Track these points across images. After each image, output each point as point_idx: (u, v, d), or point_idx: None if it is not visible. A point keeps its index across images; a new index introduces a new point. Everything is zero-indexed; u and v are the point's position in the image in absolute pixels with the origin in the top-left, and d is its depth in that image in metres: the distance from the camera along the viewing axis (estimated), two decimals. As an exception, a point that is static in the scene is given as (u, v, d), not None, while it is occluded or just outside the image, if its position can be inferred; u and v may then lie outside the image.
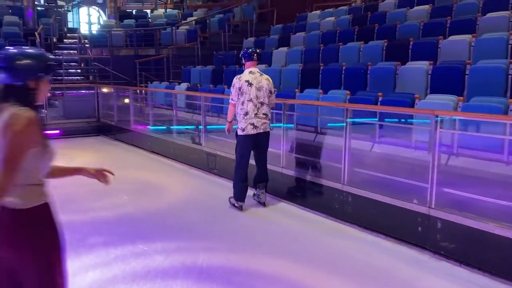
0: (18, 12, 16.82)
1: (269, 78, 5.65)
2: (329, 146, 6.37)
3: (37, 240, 2.13)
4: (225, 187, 6.75)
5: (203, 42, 14.22)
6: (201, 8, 18.24)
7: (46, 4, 20.96)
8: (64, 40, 17.24)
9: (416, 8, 9.46)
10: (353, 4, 12.87)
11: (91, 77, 14.84)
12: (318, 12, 12.92)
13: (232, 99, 5.59)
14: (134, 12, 21.24)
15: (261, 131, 5.47)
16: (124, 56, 15.38)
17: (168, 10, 20.32)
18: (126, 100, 11.39)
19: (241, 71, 5.78)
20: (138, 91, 11.90)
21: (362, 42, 8.61)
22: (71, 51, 16.36)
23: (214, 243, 4.33)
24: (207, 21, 14.99)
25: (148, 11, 21.45)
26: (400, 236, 4.54)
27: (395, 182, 4.79)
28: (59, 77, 14.18)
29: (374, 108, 6.08)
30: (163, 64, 13.65)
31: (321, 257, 4.31)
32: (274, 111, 6.06)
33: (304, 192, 5.71)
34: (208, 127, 8.03)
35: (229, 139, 7.30)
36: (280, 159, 6.01)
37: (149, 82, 13.09)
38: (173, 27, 14.86)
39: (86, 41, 16.50)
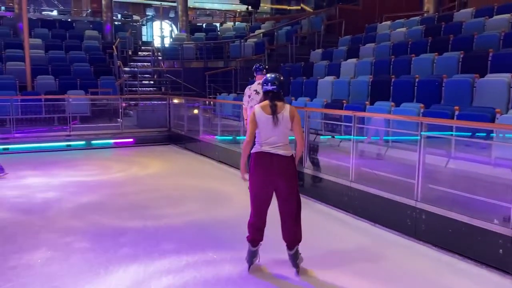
0: (97, 26, 17.96)
1: None
2: (401, 160, 6.17)
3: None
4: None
5: (270, 54, 14.38)
6: (269, 20, 18.48)
7: (122, 18, 22.20)
8: (139, 52, 18.15)
9: (496, 17, 8.99)
10: (425, 14, 12.47)
11: (163, 89, 15.48)
12: (388, 22, 12.65)
13: (244, 104, 6.93)
14: (204, 25, 21.95)
15: None
16: (195, 68, 15.92)
17: (236, 23, 20.80)
18: (195, 111, 11.76)
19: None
20: (207, 102, 12.23)
21: (436, 53, 8.30)
22: (145, 64, 17.17)
23: (284, 255, 4.31)
24: (275, 34, 15.16)
25: (218, 24, 22.10)
26: (478, 258, 4.29)
27: (473, 200, 4.55)
28: (134, 88, 14.95)
29: (452, 122, 5.81)
30: (231, 76, 13.95)
31: (397, 277, 4.15)
32: (344, 123, 6.00)
33: (375, 208, 5.57)
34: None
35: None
36: (350, 172, 5.92)
37: (217, 94, 13.42)
38: (241, 40, 15.16)
39: (159, 53, 17.26)
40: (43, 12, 22.55)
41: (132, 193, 7.05)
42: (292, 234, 4.15)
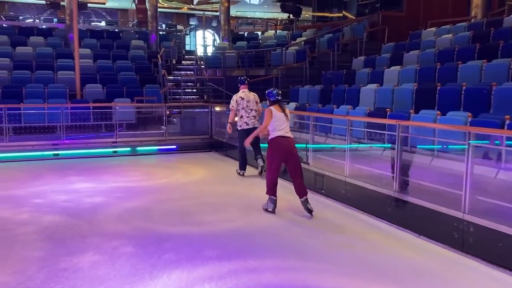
0: (143, 36, 18.50)
1: (255, 94, 8.96)
2: (448, 170, 5.99)
3: None
4: (333, 208, 6.70)
5: (311, 62, 14.34)
6: (310, 28, 18.44)
7: (167, 28, 22.80)
8: (182, 61, 18.54)
9: (550, 22, 8.61)
10: (472, 20, 12.09)
11: (205, 96, 15.73)
12: (433, 29, 12.34)
13: (232, 106, 8.81)
14: (246, 34, 22.18)
15: (251, 126, 8.57)
16: (236, 77, 16.06)
17: (278, 31, 20.88)
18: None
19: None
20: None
21: (485, 60, 8.03)
22: (188, 72, 17.52)
23: (325, 265, 4.28)
24: (316, 41, 15.11)
25: (259, 33, 22.28)
26: (531, 275, 4.10)
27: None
28: (177, 96, 15.24)
29: (502, 132, 5.57)
30: (272, 84, 13.99)
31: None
32: (388, 132, 5.91)
33: (419, 219, 5.42)
34: (315, 146, 8.04)
35: (337, 159, 7.25)
36: (393, 182, 5.80)
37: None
38: (283, 48, 15.21)
39: (202, 62, 17.57)
40: (92, 23, 23.50)
41: (175, 199, 7.19)
42: (302, 186, 6.28)
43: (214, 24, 25.93)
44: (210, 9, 24.77)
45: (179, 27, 23.51)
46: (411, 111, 7.71)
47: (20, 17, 22.62)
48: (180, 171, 9.57)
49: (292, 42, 16.64)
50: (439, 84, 8.06)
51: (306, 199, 6.24)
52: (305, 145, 8.35)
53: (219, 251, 4.87)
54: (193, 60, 18.08)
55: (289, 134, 6.31)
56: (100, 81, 14.06)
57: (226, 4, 19.34)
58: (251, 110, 8.72)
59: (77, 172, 9.28)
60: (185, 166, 10.12)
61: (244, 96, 8.78)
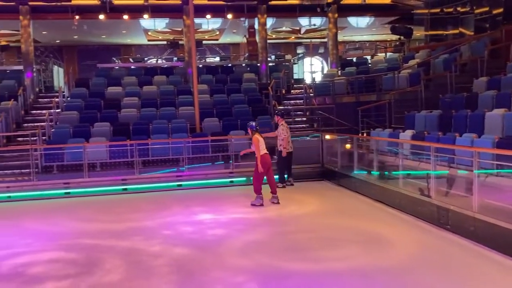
0: (254, 69, 19.31)
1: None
2: None
3: None
4: (461, 246, 6.24)
5: (427, 85, 13.71)
6: (423, 49, 17.70)
7: (276, 59, 23.51)
8: (291, 90, 18.94)
9: None
10: None
11: (315, 125, 15.81)
12: None
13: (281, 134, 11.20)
14: (354, 59, 22.00)
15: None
16: (346, 103, 15.98)
17: (388, 54, 20.41)
18: (348, 146, 11.75)
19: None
20: (360, 138, 12.13)
21: None
22: (297, 101, 17.82)
23: None
24: (431, 62, 14.44)
25: (368, 57, 21.94)
26: None
27: None
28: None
29: None
30: (384, 110, 13.64)
31: None
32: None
33: None
34: (437, 172, 7.62)
35: (461, 192, 6.78)
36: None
37: (371, 129, 13.21)
38: (395, 72, 14.79)
39: (311, 90, 17.76)
40: (207, 60, 25.13)
41: (291, 233, 7.28)
42: (275, 185, 9.61)
43: (321, 50, 26.16)
44: (317, 36, 25.05)
45: (287, 56, 24.09)
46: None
47: (145, 58, 25.03)
48: (293, 202, 9.68)
49: (405, 65, 16.12)
50: None
51: (276, 196, 9.49)
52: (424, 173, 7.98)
53: (341, 292, 4.81)
54: (302, 89, 18.37)
55: (266, 151, 9.43)
56: (216, 114, 14.90)
57: (334, 30, 19.48)
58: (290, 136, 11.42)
59: (199, 202, 9.87)
60: (297, 197, 10.21)
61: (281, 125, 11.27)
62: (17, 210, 9.97)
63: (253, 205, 9.28)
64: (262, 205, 9.22)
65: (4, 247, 6.99)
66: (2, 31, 21.65)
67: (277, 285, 5.08)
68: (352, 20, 22.01)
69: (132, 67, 21.26)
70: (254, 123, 9.62)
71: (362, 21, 22.38)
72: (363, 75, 16.57)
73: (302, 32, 24.82)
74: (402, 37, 20.80)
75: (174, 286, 5.21)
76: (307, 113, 16.93)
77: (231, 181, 12.06)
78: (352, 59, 22.13)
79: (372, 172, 9.99)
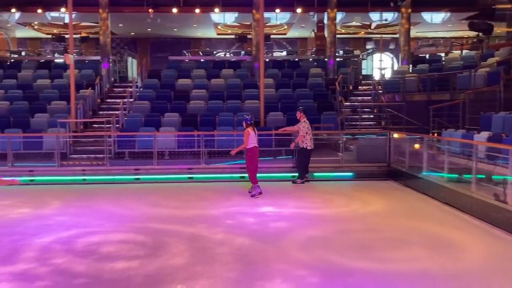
0: (321, 64, 19.11)
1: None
2: None
3: None
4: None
5: (506, 84, 12.86)
6: (504, 46, 16.63)
7: (344, 54, 23.10)
8: (359, 87, 18.53)
9: None
10: None
11: (383, 123, 15.39)
12: None
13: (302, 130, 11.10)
14: (427, 56, 21.12)
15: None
16: (417, 102, 15.39)
17: (464, 51, 19.39)
18: (417, 146, 11.32)
19: None
20: (430, 138, 11.64)
21: None
22: (365, 98, 17.42)
23: None
24: (512, 61, 13.54)
25: (442, 54, 20.98)
26: None
27: None
28: (353, 123, 15.28)
29: None
30: (458, 110, 12.99)
31: None
32: None
33: None
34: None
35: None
36: None
37: (442, 129, 12.64)
38: (471, 70, 14.02)
39: (380, 87, 17.29)
40: (274, 54, 25.20)
41: (355, 231, 7.16)
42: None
43: (392, 46, 25.34)
44: (388, 31, 24.30)
45: (356, 52, 23.60)
46: None
47: (214, 52, 25.55)
48: (357, 201, 9.50)
49: (482, 63, 15.23)
50: None
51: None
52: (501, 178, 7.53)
53: (407, 294, 4.67)
54: (370, 85, 17.93)
55: (256, 145, 9.87)
56: (281, 109, 14.93)
57: (406, 26, 18.81)
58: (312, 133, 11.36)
59: (261, 195, 9.94)
60: (362, 195, 10.00)
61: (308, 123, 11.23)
62: (91, 192, 10.58)
63: (252, 195, 9.62)
64: (260, 193, 9.66)
65: (79, 226, 7.46)
66: (83, 23, 22.97)
67: (340, 281, 5.02)
68: (426, 15, 21.11)
69: (201, 60, 21.78)
70: (249, 117, 10.01)
71: (437, 17, 21.41)
72: (436, 73, 15.89)
73: (372, 27, 24.20)
74: (480, 34, 19.66)
75: (236, 274, 5.30)
76: (375, 111, 16.52)
77: (294, 176, 12.03)
78: (424, 56, 21.25)
79: (442, 174, 9.56)
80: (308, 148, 11.16)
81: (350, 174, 12.09)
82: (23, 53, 24.21)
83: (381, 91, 17.13)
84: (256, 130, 10.02)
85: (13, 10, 18.65)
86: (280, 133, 12.84)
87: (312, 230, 7.18)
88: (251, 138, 9.71)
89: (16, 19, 21.24)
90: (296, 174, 11.53)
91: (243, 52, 23.64)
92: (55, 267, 5.55)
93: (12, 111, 14.93)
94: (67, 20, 18.17)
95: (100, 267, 5.53)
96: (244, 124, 9.95)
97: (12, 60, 21.27)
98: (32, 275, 5.29)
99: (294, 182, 11.35)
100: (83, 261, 5.76)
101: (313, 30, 21.95)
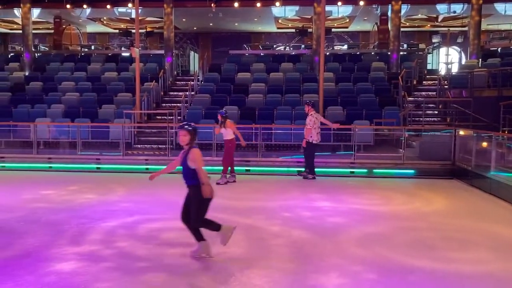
0: (383, 58, 18.56)
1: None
2: None
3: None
4: None
5: None
6: None
7: (408, 48, 22.30)
8: (423, 82, 17.83)
9: None
10: None
11: (448, 119, 14.74)
12: None
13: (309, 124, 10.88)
14: (499, 50, 19.91)
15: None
16: (485, 98, 14.59)
17: (541, 44, 18.09)
18: (484, 144, 10.74)
19: None
20: (500, 136, 11.00)
21: None
22: (430, 93, 16.74)
23: None
24: None
25: (516, 47, 19.70)
26: None
27: None
28: (417, 118, 14.75)
29: None
30: (532, 106, 12.17)
31: None
32: None
33: None
34: None
35: None
36: None
37: (514, 126, 11.91)
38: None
39: (446, 82, 16.55)
40: (335, 48, 24.81)
41: (415, 229, 6.92)
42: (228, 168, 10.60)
43: (460, 40, 24.13)
44: (456, 24, 23.16)
45: (421, 45, 22.70)
46: None
47: (274, 46, 25.56)
48: (419, 198, 9.17)
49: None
50: None
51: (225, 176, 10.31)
52: None
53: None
54: (436, 80, 17.20)
55: (233, 136, 10.38)
56: (341, 103, 14.69)
57: (476, 18, 17.81)
58: (319, 127, 11.07)
59: (318, 189, 9.86)
60: (424, 193, 9.65)
61: (317, 116, 11.04)
62: (154, 181, 10.88)
63: (218, 183, 9.99)
64: (230, 181, 10.35)
65: (142, 213, 7.76)
66: (148, 18, 23.78)
67: (399, 279, 4.87)
68: (500, 6, 19.88)
69: (261, 54, 21.87)
70: (224, 110, 10.61)
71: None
72: (509, 67, 14.93)
73: (439, 20, 23.17)
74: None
75: (292, 266, 5.29)
76: (440, 106, 15.84)
77: (352, 172, 11.83)
78: (496, 50, 20.04)
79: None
80: (314, 142, 10.93)
81: (412, 171, 11.70)
82: (92, 47, 25.48)
83: (447, 86, 16.38)
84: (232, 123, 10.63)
85: (84, 6, 19.62)
86: (339, 128, 12.65)
87: (370, 226, 7.02)
88: (230, 131, 10.30)
89: (87, 15, 22.35)
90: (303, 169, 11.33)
91: (303, 46, 23.48)
92: (118, 250, 5.81)
93: (81, 102, 15.78)
94: (133, 15, 18.91)
95: (160, 252, 5.73)
96: (219, 117, 10.40)
97: (82, 54, 22.46)
98: (97, 256, 5.57)
99: (304, 177, 11.09)
100: (145, 245, 5.99)
101: (376, 23, 21.38)
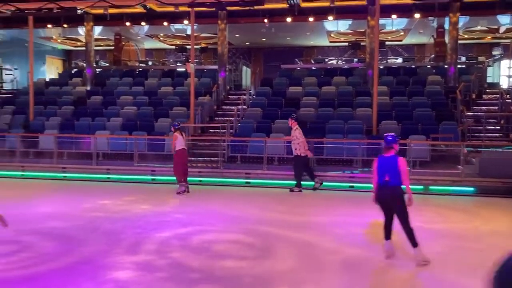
0: (440, 71, 17.98)
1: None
2: None
3: None
4: None
5: None
6: None
7: (467, 61, 21.50)
8: (483, 96, 17.10)
9: None
10: None
11: (511, 135, 14.01)
12: None
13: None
14: None
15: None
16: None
17: None
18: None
19: None
20: None
21: None
22: (491, 107, 16.01)
23: None
24: None
25: None
26: None
27: None
28: (476, 134, 14.13)
29: None
30: None
31: None
32: None
33: None
34: None
35: None
36: None
37: None
38: None
39: (508, 96, 15.79)
40: (389, 61, 24.34)
41: (473, 250, 6.60)
42: (186, 175, 11.00)
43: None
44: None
45: (480, 58, 21.81)
46: None
47: (326, 59, 25.46)
48: (479, 217, 8.74)
49: None
50: None
51: (185, 185, 10.64)
52: None
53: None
54: (497, 94, 16.44)
55: (185, 147, 10.80)
56: (395, 117, 14.34)
57: (541, 29, 16.91)
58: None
59: (371, 205, 9.61)
60: (483, 212, 9.20)
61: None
62: (205, 193, 11.15)
63: (178, 193, 10.53)
64: (186, 191, 10.62)
65: (194, 224, 7.91)
66: (203, 35, 24.44)
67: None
68: None
69: (313, 68, 21.84)
70: (177, 122, 11.15)
71: None
72: None
73: (501, 31, 22.18)
74: None
75: (343, 283, 5.20)
76: (502, 122, 15.08)
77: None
78: None
79: None
80: (302, 155, 10.97)
81: (471, 189, 11.20)
82: (149, 63, 26.48)
83: (509, 100, 15.61)
84: (184, 134, 11.12)
85: (143, 23, 20.47)
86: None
87: (428, 245, 6.75)
88: (179, 142, 10.65)
89: (145, 32, 23.29)
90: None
91: (355, 60, 23.21)
92: (172, 260, 5.94)
93: (139, 116, 16.39)
94: (189, 32, 19.48)
95: (212, 264, 5.80)
96: (172, 128, 11.04)
97: (140, 69, 23.39)
98: (152, 266, 5.73)
99: (291, 190, 11.02)
100: (197, 257, 6.09)
101: (432, 36, 20.80)
